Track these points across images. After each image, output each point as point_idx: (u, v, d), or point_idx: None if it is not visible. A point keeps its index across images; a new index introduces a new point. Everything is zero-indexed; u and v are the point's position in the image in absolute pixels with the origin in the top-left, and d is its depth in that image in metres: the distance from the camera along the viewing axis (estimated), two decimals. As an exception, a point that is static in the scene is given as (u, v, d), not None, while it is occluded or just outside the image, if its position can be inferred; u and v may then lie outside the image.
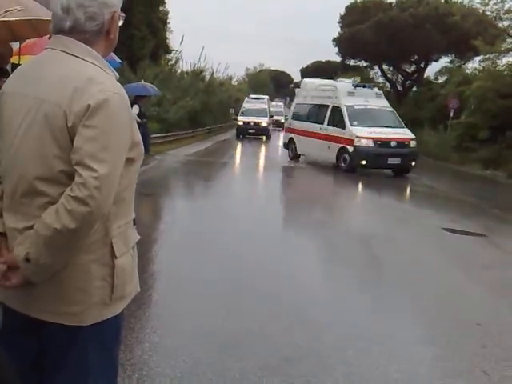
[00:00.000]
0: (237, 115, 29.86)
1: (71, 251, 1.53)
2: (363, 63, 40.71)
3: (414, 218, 9.28)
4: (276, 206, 9.97)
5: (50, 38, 1.68)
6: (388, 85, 38.02)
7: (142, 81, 14.52)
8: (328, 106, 16.26)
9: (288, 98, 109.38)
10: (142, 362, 3.23)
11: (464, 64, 30.57)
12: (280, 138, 29.80)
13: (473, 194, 11.99)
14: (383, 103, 16.57)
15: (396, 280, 5.43)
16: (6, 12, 2.74)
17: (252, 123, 28.27)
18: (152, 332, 3.69)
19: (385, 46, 32.57)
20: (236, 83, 47.93)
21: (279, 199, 10.99)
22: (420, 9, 32.37)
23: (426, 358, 3.62)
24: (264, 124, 28.74)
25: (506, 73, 19.50)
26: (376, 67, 39.95)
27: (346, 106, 15.49)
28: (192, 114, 25.18)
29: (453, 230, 7.91)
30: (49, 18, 1.68)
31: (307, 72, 69.34)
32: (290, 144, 18.41)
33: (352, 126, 15.00)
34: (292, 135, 18.21)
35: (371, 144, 14.56)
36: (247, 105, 30.49)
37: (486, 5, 20.32)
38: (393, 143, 14.75)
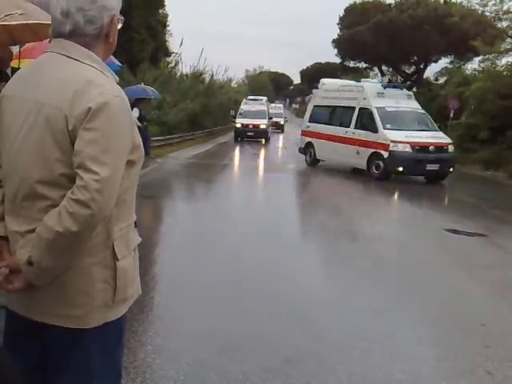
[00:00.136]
0: (235, 117, 28.85)
1: (73, 254, 1.53)
2: (363, 64, 40.78)
3: (415, 218, 9.28)
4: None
5: (50, 41, 1.69)
6: (388, 86, 37.95)
7: (142, 84, 14.53)
8: (354, 107, 15.11)
9: (288, 100, 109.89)
10: (146, 365, 3.23)
11: (463, 65, 30.58)
12: (280, 140, 29.90)
13: (473, 195, 11.99)
14: (415, 105, 15.47)
15: (398, 280, 5.42)
16: (6, 16, 2.74)
17: (251, 125, 27.16)
18: (154, 335, 3.69)
19: (384, 48, 32.62)
20: (236, 85, 47.96)
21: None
22: (419, 10, 32.42)
23: (429, 359, 3.62)
24: (263, 126, 27.56)
25: (505, 73, 19.50)
26: (375, 68, 40.02)
27: (377, 108, 14.39)
28: (192, 116, 25.19)
29: (454, 231, 7.90)
30: (49, 22, 1.68)
31: (307, 74, 69.52)
32: (307, 149, 17.05)
33: (385, 129, 13.89)
34: (310, 139, 16.83)
35: (408, 149, 13.43)
36: (245, 106, 29.38)
37: (485, 5, 20.36)
38: (431, 148, 13.64)
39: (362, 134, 14.48)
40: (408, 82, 37.00)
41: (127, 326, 1.83)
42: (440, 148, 13.84)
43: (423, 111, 15.45)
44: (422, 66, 36.32)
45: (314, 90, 18.16)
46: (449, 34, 29.84)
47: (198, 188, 11.83)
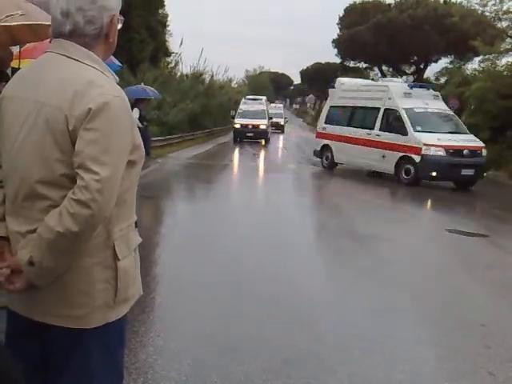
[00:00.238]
0: (233, 118, 28.02)
1: (74, 254, 1.53)
2: (363, 64, 40.84)
3: (416, 218, 9.27)
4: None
5: (50, 41, 1.69)
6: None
7: (142, 84, 14.53)
8: (378, 108, 14.28)
9: (288, 100, 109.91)
10: (147, 366, 3.23)
11: (463, 65, 30.61)
12: (280, 141, 29.87)
13: (474, 195, 11.98)
14: (443, 106, 14.75)
15: (398, 280, 5.42)
16: (7, 17, 2.74)
17: (250, 126, 26.21)
18: (156, 335, 3.69)
19: (384, 48, 32.66)
20: (236, 85, 47.98)
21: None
22: (419, 10, 32.47)
23: (430, 359, 3.62)
24: (263, 126, 26.62)
25: (505, 73, 19.49)
26: (376, 68, 40.06)
27: (405, 109, 13.59)
28: (192, 116, 25.21)
29: (455, 231, 7.90)
30: (49, 23, 1.68)
31: (307, 74, 69.57)
32: (323, 151, 16.18)
33: (416, 131, 13.07)
34: (327, 141, 15.97)
35: (442, 153, 12.62)
36: (244, 106, 28.34)
37: (485, 5, 20.36)
38: (465, 152, 12.84)
39: (389, 137, 13.64)
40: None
41: (128, 326, 1.83)
42: (474, 152, 13.08)
43: (452, 112, 14.84)
44: (422, 66, 36.37)
45: (330, 90, 17.08)
46: (449, 33, 29.88)
47: (198, 188, 11.83)
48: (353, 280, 5.38)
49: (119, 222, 1.63)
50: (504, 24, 20.16)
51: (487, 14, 20.97)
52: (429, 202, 11.50)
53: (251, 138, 26.08)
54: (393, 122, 13.86)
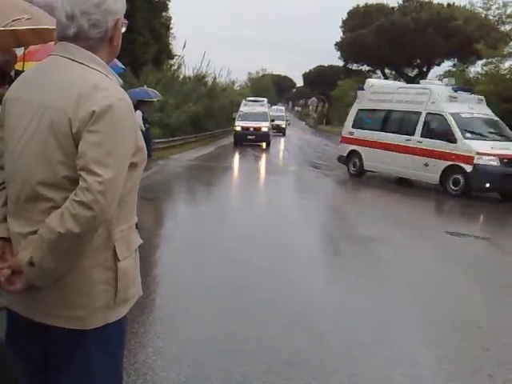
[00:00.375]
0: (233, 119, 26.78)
1: (75, 255, 1.55)
2: (365, 67, 40.86)
3: (416, 221, 9.27)
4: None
5: (55, 44, 1.70)
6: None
7: (145, 86, 14.58)
8: (419, 112, 13.23)
9: (290, 103, 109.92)
10: (147, 367, 3.24)
11: (466, 68, 30.60)
12: (281, 143, 29.84)
13: (476, 197, 11.96)
14: (488, 111, 13.66)
15: (398, 283, 5.42)
16: (13, 21, 2.76)
17: (251, 128, 25.02)
18: (155, 337, 3.70)
19: (387, 51, 32.68)
20: (238, 88, 48.04)
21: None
22: (422, 13, 32.49)
23: (430, 361, 3.63)
24: (265, 129, 25.48)
25: (508, 76, 19.52)
26: (378, 71, 40.08)
27: (452, 114, 12.56)
28: (194, 118, 25.22)
29: (456, 233, 7.90)
30: (54, 27, 1.70)
31: (310, 76, 69.62)
32: (351, 158, 15.15)
33: (466, 139, 12.07)
34: (355, 147, 14.95)
35: (496, 162, 11.62)
36: (245, 108, 27.13)
37: (489, 9, 20.43)
38: None
39: (434, 144, 12.58)
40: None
41: (128, 327, 1.84)
42: None
43: (497, 118, 13.68)
44: (424, 69, 36.38)
45: (358, 92, 16.03)
46: (452, 37, 29.89)
47: (199, 190, 11.84)
48: (353, 282, 5.39)
49: (120, 224, 1.64)
50: (507, 27, 20.23)
51: (491, 17, 21.04)
52: (428, 203, 11.45)
53: (252, 141, 25.01)
54: (437, 127, 12.81)
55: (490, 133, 12.83)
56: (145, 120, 12.06)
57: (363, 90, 15.47)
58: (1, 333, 1.76)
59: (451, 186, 12.05)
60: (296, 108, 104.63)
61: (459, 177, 11.90)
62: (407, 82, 37.20)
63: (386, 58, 34.35)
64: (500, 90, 18.52)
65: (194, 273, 5.26)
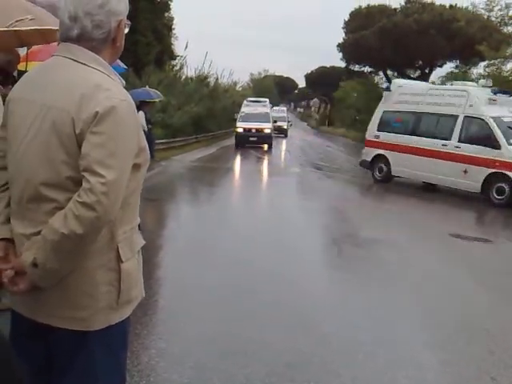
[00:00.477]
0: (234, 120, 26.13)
1: (78, 256, 1.54)
2: (368, 69, 40.80)
3: (420, 223, 9.25)
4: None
5: (58, 45, 1.70)
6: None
7: (147, 86, 14.58)
8: (456, 116, 12.38)
9: (292, 104, 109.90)
10: (150, 368, 3.23)
11: (469, 69, 30.56)
12: (283, 144, 29.81)
13: (478, 200, 11.94)
14: None
15: (402, 285, 5.41)
16: (17, 21, 2.77)
17: (254, 130, 24.12)
18: (158, 338, 3.69)
19: (389, 52, 32.62)
20: (240, 89, 48.02)
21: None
22: (424, 14, 32.41)
23: (434, 364, 3.61)
24: (267, 131, 24.57)
25: (510, 78, 19.50)
26: (381, 73, 40.03)
27: (493, 118, 11.75)
28: (196, 119, 25.21)
29: (459, 236, 7.88)
30: (57, 28, 1.69)
31: (311, 77, 69.65)
32: (376, 162, 14.25)
33: (510, 145, 11.32)
34: (381, 151, 14.05)
35: None
36: (247, 109, 26.42)
37: (491, 10, 20.43)
38: None
39: (474, 150, 11.81)
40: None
41: (131, 328, 1.83)
42: None
43: None
44: (427, 71, 36.30)
45: (384, 93, 15.18)
46: (454, 38, 29.82)
47: (201, 191, 11.84)
48: (356, 284, 5.37)
49: (123, 225, 1.63)
50: (510, 29, 20.23)
51: (493, 19, 21.03)
52: (431, 206, 11.42)
53: (254, 142, 24.10)
54: (477, 132, 12.07)
55: None
56: (148, 121, 12.04)
57: (389, 90, 14.72)
58: (4, 333, 1.75)
59: (495, 194, 11.32)
60: (298, 109, 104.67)
61: (504, 185, 11.16)
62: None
63: (388, 60, 34.26)
64: (503, 91, 18.48)
65: (197, 274, 5.26)
